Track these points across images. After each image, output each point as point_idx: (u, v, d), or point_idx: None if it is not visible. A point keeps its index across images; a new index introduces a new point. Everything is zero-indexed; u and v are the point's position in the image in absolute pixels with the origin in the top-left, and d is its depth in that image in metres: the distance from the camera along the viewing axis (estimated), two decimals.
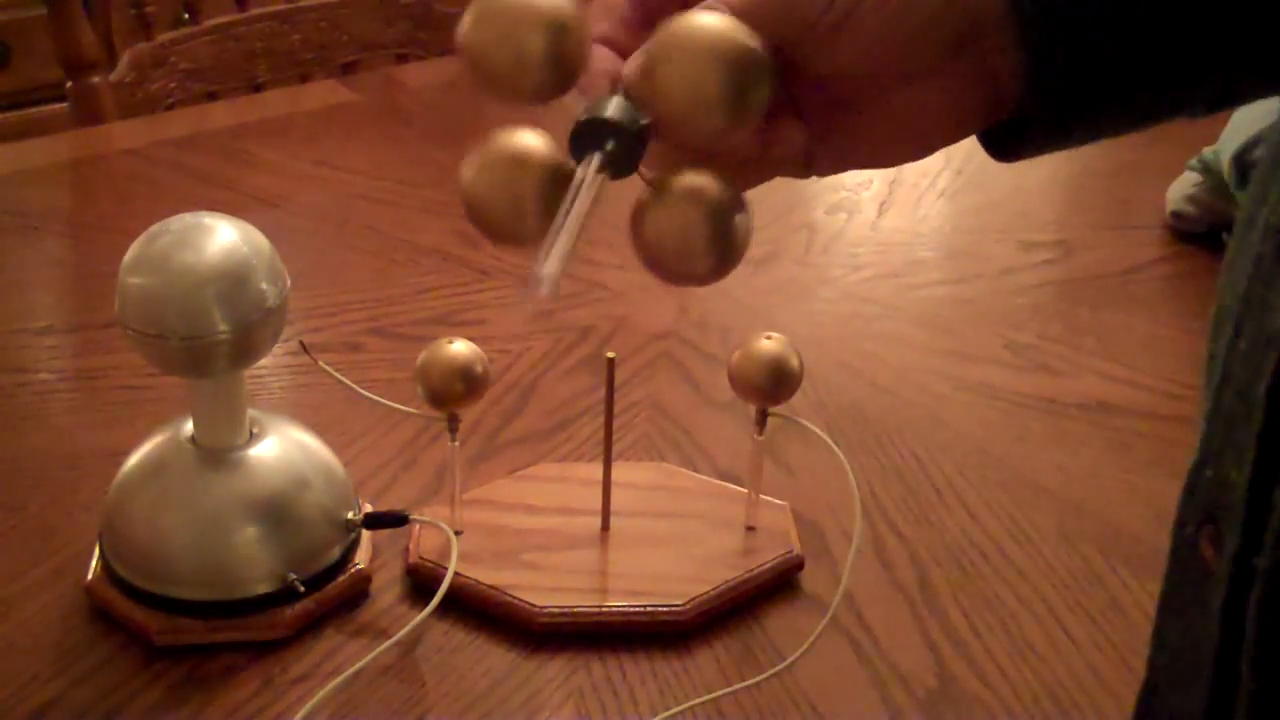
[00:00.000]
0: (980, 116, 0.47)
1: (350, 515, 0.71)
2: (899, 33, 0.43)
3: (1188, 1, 0.46)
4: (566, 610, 0.69)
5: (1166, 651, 0.49)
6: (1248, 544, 0.42)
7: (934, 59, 0.44)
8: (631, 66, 0.42)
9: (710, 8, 0.42)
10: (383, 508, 0.74)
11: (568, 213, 0.40)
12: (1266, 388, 0.42)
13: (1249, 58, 0.48)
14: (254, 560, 0.68)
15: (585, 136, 0.41)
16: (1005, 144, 0.48)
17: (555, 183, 0.42)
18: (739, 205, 0.43)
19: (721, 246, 0.42)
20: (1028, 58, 0.44)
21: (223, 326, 0.65)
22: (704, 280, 0.43)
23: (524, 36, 0.40)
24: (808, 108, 0.46)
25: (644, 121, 0.42)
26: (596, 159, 0.41)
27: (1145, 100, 0.49)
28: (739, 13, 0.42)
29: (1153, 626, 0.49)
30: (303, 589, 0.68)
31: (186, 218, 0.66)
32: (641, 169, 0.43)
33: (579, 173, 0.41)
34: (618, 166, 0.41)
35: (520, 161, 0.42)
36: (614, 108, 0.41)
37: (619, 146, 0.41)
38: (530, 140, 0.42)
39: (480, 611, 0.70)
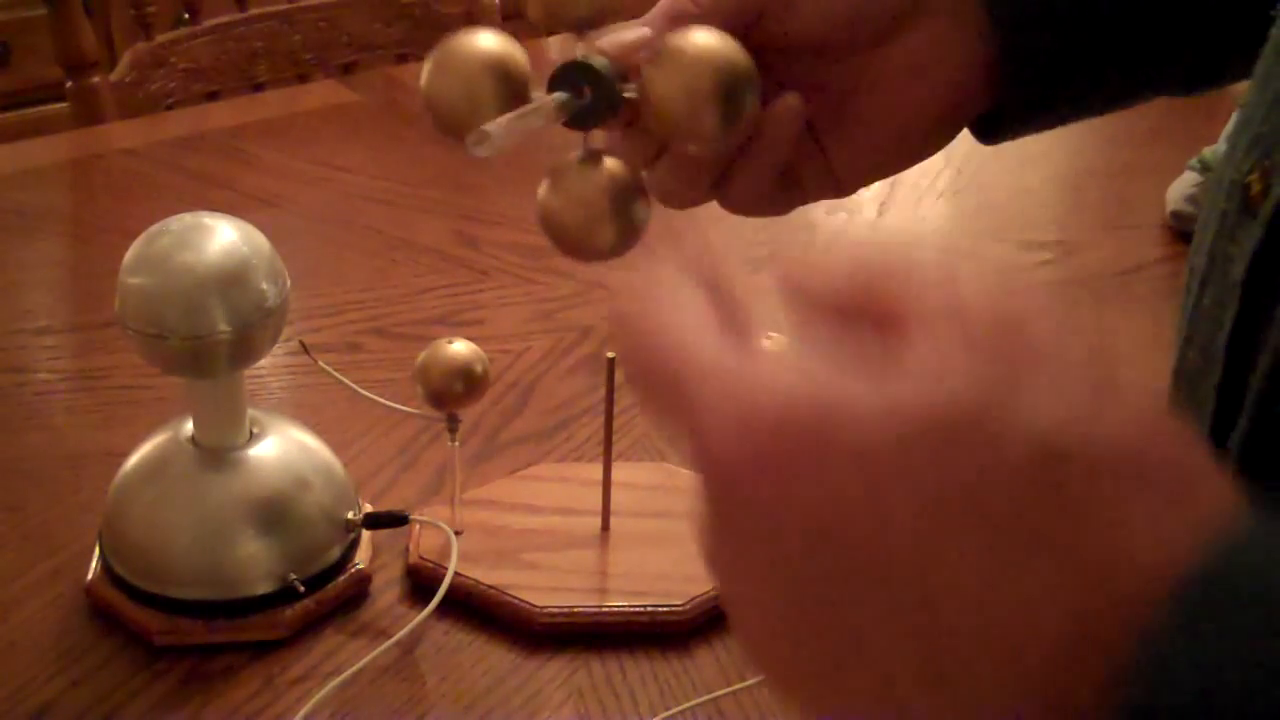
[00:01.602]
0: (968, 105, 0.50)
1: (350, 515, 0.71)
2: None
3: None
4: (566, 610, 0.69)
5: None
6: None
7: (892, 14, 0.48)
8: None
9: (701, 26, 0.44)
10: (383, 508, 0.74)
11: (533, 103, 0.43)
12: (1226, 339, 0.43)
13: (1218, 34, 0.49)
14: (254, 560, 0.68)
15: (565, 79, 0.45)
16: (988, 124, 0.50)
17: (511, 78, 0.45)
18: (638, 188, 0.46)
19: (619, 224, 0.45)
20: (992, 26, 0.47)
21: (223, 326, 0.65)
22: (603, 256, 0.46)
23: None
24: (816, 120, 0.49)
25: (622, 90, 0.45)
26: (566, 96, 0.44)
27: (1115, 75, 0.51)
28: None
29: None
30: (303, 589, 0.68)
31: (186, 218, 0.67)
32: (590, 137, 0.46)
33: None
34: (588, 110, 0.45)
35: (479, 58, 0.45)
36: (598, 62, 0.44)
37: (594, 91, 0.44)
38: (490, 41, 0.45)
39: (480, 611, 0.70)
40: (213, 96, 1.44)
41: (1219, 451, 0.42)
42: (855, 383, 0.29)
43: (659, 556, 0.73)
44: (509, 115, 0.42)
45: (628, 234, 0.45)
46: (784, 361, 0.30)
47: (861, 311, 0.31)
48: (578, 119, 0.45)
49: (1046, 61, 0.49)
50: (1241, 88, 0.47)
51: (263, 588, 0.68)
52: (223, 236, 0.66)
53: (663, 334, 0.32)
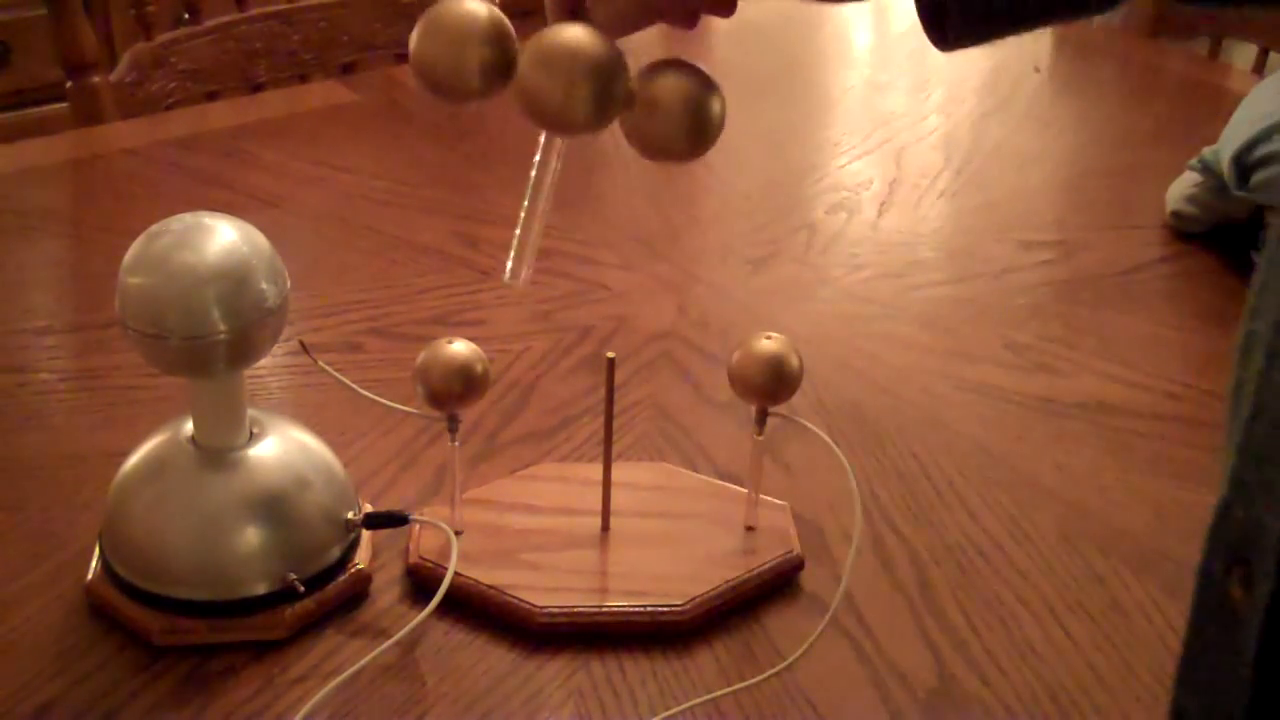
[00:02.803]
0: None
1: (350, 515, 0.71)
2: None
3: None
4: (566, 610, 0.69)
5: (1197, 696, 0.45)
6: None
7: None
8: None
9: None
10: (383, 508, 0.74)
11: (529, 213, 0.46)
12: None
13: None
14: (254, 560, 0.68)
15: None
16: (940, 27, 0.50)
17: (498, 43, 0.47)
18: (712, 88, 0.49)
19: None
20: None
21: (223, 326, 0.65)
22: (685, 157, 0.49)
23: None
24: None
25: None
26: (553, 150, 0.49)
27: None
28: None
29: (1177, 665, 0.46)
30: (303, 589, 0.68)
31: (186, 218, 0.67)
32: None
33: (535, 173, 0.48)
34: None
35: (466, 26, 0.47)
36: None
37: None
38: (475, 6, 0.47)
39: (480, 611, 0.70)
40: (213, 96, 1.44)
41: None
42: None
43: (659, 556, 0.73)
44: (526, 245, 0.47)
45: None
46: None
47: None
48: None
49: None
50: (1243, 87, 0.46)
51: (263, 588, 0.68)
52: (223, 236, 0.66)
53: None
